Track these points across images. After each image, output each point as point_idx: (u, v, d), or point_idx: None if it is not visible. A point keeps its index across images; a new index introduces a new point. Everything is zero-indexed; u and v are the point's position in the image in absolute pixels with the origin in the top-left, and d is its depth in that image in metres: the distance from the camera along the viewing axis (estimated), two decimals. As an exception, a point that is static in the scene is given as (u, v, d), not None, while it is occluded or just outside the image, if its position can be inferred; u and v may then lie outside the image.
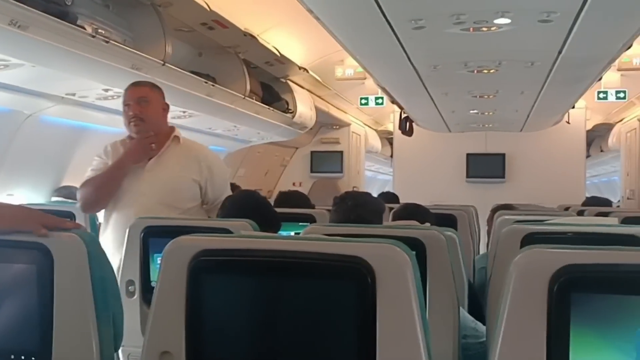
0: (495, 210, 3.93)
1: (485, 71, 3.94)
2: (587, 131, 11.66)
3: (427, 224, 2.53)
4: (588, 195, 11.39)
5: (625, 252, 1.02)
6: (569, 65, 3.59)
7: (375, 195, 3.43)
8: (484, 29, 2.93)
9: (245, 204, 2.23)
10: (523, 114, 5.93)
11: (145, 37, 3.76)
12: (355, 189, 8.17)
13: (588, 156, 13.81)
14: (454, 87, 4.59)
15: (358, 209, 2.33)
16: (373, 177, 14.56)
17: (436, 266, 1.82)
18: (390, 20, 2.75)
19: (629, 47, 5.25)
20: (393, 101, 5.87)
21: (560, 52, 3.31)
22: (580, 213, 3.84)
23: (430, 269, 1.81)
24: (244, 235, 1.31)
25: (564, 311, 0.98)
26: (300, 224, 2.83)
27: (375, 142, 11.32)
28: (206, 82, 4.49)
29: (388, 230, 1.94)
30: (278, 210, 2.44)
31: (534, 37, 3.11)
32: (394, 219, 2.64)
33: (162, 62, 3.76)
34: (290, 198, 3.59)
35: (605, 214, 3.40)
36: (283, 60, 5.71)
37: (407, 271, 1.07)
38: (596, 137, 12.16)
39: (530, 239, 1.92)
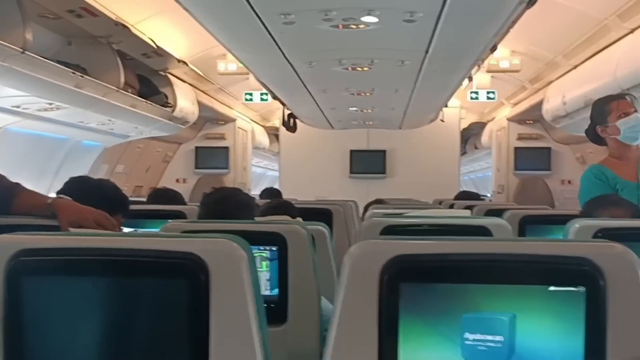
0: (367, 205, 4.03)
1: (360, 69, 4.02)
2: (464, 129, 12.30)
3: (299, 219, 2.54)
4: (466, 189, 12.04)
5: (452, 242, 1.05)
6: (436, 65, 3.75)
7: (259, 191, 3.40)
8: (353, 26, 2.98)
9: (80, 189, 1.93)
10: (400, 112, 6.13)
11: (1, 23, 3.49)
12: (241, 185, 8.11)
13: (464, 153, 14.60)
14: (331, 84, 4.65)
15: (223, 203, 2.29)
16: (263, 174, 14.54)
17: (297, 260, 1.82)
18: (259, 14, 2.73)
19: (494, 49, 5.58)
20: (275, 97, 5.86)
21: (427, 52, 3.44)
22: (451, 206, 4.03)
23: (291, 263, 1.81)
24: (71, 233, 1.22)
25: (393, 301, 1.00)
26: (169, 221, 2.75)
27: (263, 139, 11.30)
28: (74, 73, 4.25)
29: (247, 226, 1.91)
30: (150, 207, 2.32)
31: (402, 36, 3.21)
32: (262, 215, 2.62)
33: (22, 50, 3.52)
34: (163, 195, 3.48)
35: (471, 207, 3.58)
36: (161, 53, 5.53)
37: (243, 266, 1.05)
38: (472, 135, 12.86)
39: (388, 231, 1.97)
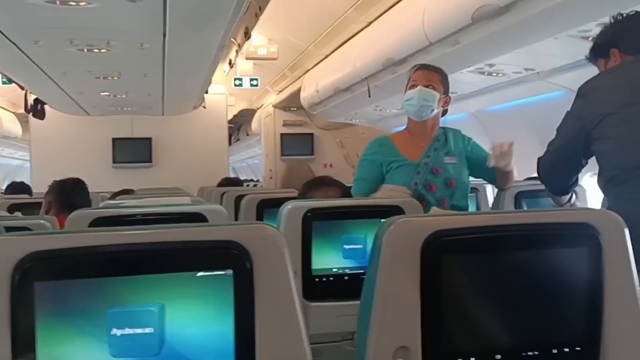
0: (113, 195, 3.79)
1: (97, 50, 3.73)
2: (235, 116, 12.38)
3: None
4: (237, 176, 12.12)
5: (85, 236, 0.94)
6: (179, 50, 3.62)
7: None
8: (72, 3, 2.72)
9: None
10: (157, 98, 5.90)
11: None
12: None
13: (238, 140, 14.76)
14: (70, 66, 4.27)
15: None
16: (21, 166, 13.12)
17: None
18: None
19: (248, 36, 5.61)
20: (10, 80, 5.24)
21: (165, 35, 3.29)
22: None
23: None
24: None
25: (27, 302, 0.87)
26: None
27: (14, 127, 10.16)
28: None
29: None
30: None
31: (132, 17, 3.02)
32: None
33: None
34: None
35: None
36: None
37: None
38: (244, 122, 13.03)
39: (97, 223, 1.82)
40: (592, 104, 1.78)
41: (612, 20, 1.97)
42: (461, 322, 0.97)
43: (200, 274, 0.89)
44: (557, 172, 2.00)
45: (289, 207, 1.76)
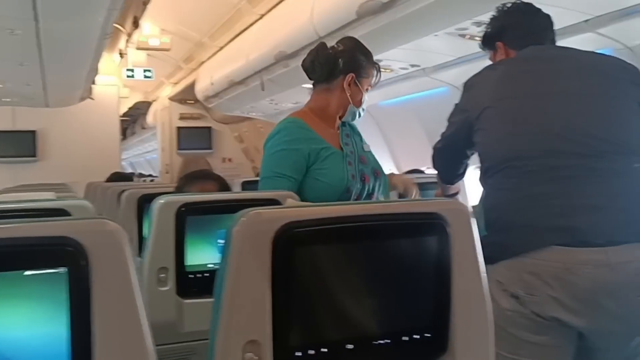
0: (-16, 192, 3.54)
1: (-36, 35, 3.45)
2: (130, 109, 11.95)
3: None
4: (130, 171, 11.68)
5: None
6: (54, 37, 3.42)
7: None
8: None
9: None
10: (37, 88, 5.56)
11: None
12: None
13: (134, 133, 14.26)
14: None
15: None
16: None
17: None
18: None
19: (137, 25, 5.42)
20: None
21: (37, 21, 3.09)
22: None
23: None
24: None
25: None
26: None
27: None
28: None
29: None
30: None
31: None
32: None
33: None
34: None
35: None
36: None
37: None
38: (140, 115, 12.60)
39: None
40: (473, 97, 1.83)
41: (497, 11, 1.97)
42: (313, 314, 0.97)
43: (28, 272, 0.83)
44: (446, 161, 2.03)
45: (162, 202, 1.70)
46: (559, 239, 1.54)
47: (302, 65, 2.22)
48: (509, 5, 1.93)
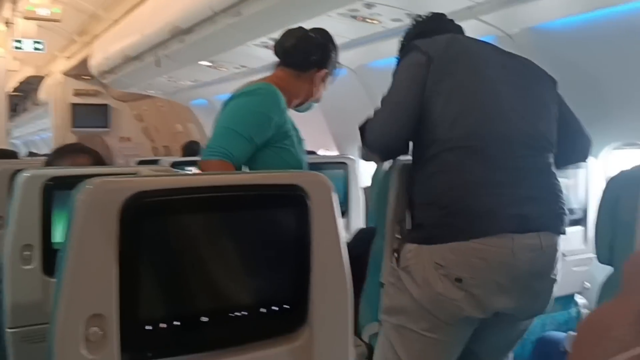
0: None
1: None
2: (21, 83, 11.23)
3: None
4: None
5: None
6: None
7: None
8: None
9: None
10: None
11: None
12: None
13: (25, 110, 13.43)
14: None
15: None
16: None
17: None
18: None
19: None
20: None
21: None
22: None
23: None
24: None
25: None
26: None
27: None
28: None
29: None
30: None
31: None
32: None
33: None
34: None
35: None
36: None
37: None
38: (32, 90, 11.87)
39: None
40: (430, 58, 1.72)
41: (413, 22, 1.99)
42: (164, 287, 0.94)
43: None
44: (397, 129, 1.75)
45: (27, 175, 1.60)
46: (510, 227, 1.60)
47: (281, 46, 2.19)
48: (423, 15, 1.99)
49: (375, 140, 1.74)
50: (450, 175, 1.64)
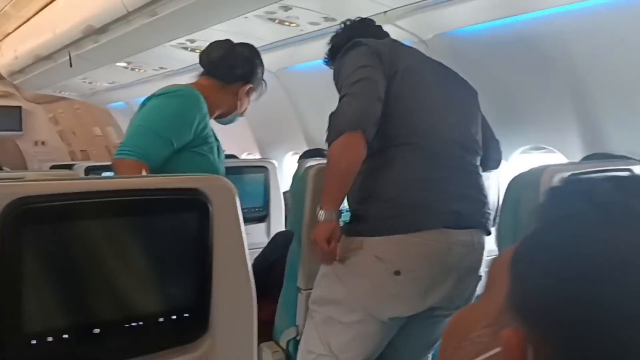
0: None
1: None
2: None
3: None
4: None
5: None
6: None
7: None
8: None
9: None
10: None
11: None
12: None
13: None
14: None
15: None
16: None
17: None
18: None
19: None
20: None
21: None
22: None
23: None
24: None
25: None
26: None
27: None
28: None
29: None
30: None
31: None
32: None
33: None
34: None
35: None
36: None
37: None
38: (-64, 90, 11.13)
39: None
40: (383, 52, 1.78)
41: (342, 26, 2.02)
42: (51, 298, 0.88)
43: None
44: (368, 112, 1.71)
45: None
46: (447, 222, 1.65)
47: (207, 56, 2.16)
48: (351, 19, 2.02)
49: (354, 114, 1.63)
50: (395, 170, 1.67)
